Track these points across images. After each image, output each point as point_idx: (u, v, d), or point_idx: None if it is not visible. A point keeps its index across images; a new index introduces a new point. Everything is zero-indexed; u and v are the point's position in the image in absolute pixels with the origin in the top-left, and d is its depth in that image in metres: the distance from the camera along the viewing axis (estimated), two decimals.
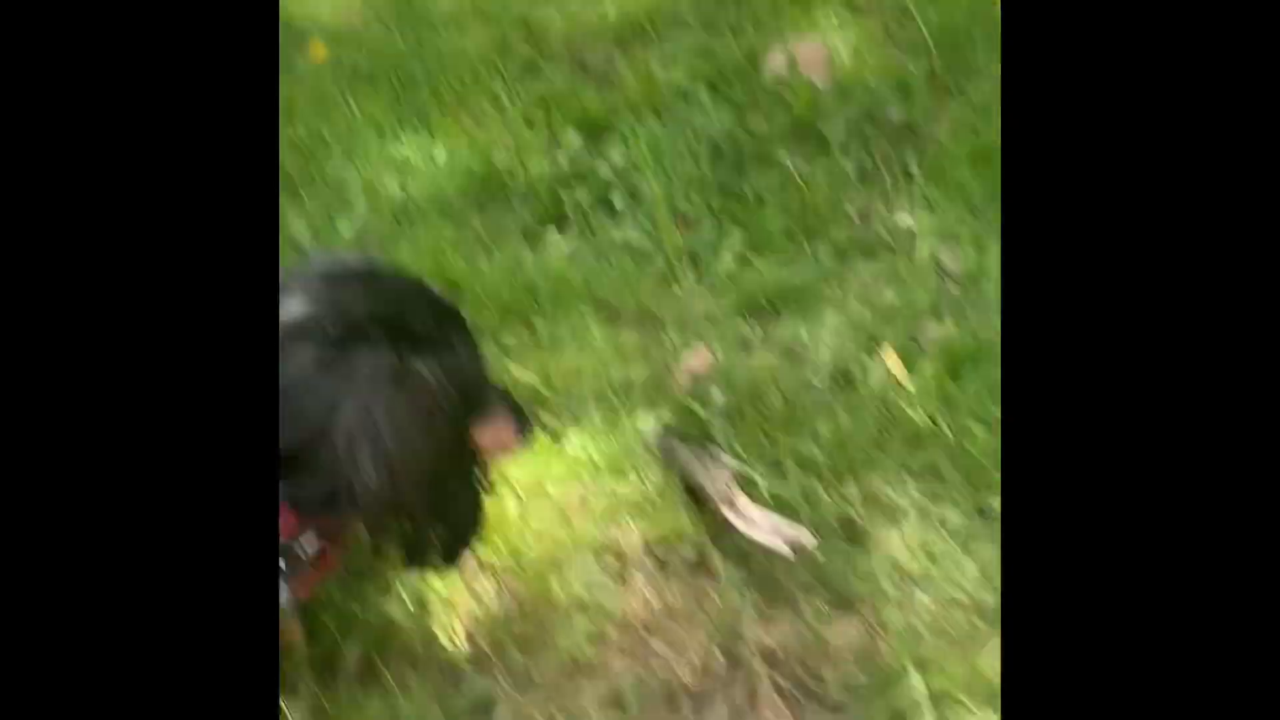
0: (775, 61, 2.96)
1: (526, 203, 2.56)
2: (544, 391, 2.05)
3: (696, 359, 2.01)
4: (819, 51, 2.92)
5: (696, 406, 1.91)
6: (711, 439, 1.88)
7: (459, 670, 1.60)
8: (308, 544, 1.33)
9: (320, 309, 1.25)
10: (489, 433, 1.45)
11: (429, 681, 1.59)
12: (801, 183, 2.54)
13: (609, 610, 1.66)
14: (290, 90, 3.10)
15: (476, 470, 1.49)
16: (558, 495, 1.85)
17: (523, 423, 1.55)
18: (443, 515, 1.43)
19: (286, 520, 1.26)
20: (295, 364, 1.20)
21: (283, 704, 1.52)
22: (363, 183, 2.61)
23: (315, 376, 1.21)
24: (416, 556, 1.48)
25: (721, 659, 1.60)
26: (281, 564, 1.28)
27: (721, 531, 1.75)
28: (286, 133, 2.88)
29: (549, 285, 2.29)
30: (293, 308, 1.24)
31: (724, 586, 1.69)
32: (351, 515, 1.32)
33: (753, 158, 2.62)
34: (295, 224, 2.51)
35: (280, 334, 1.18)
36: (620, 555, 1.75)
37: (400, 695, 1.56)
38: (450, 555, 1.53)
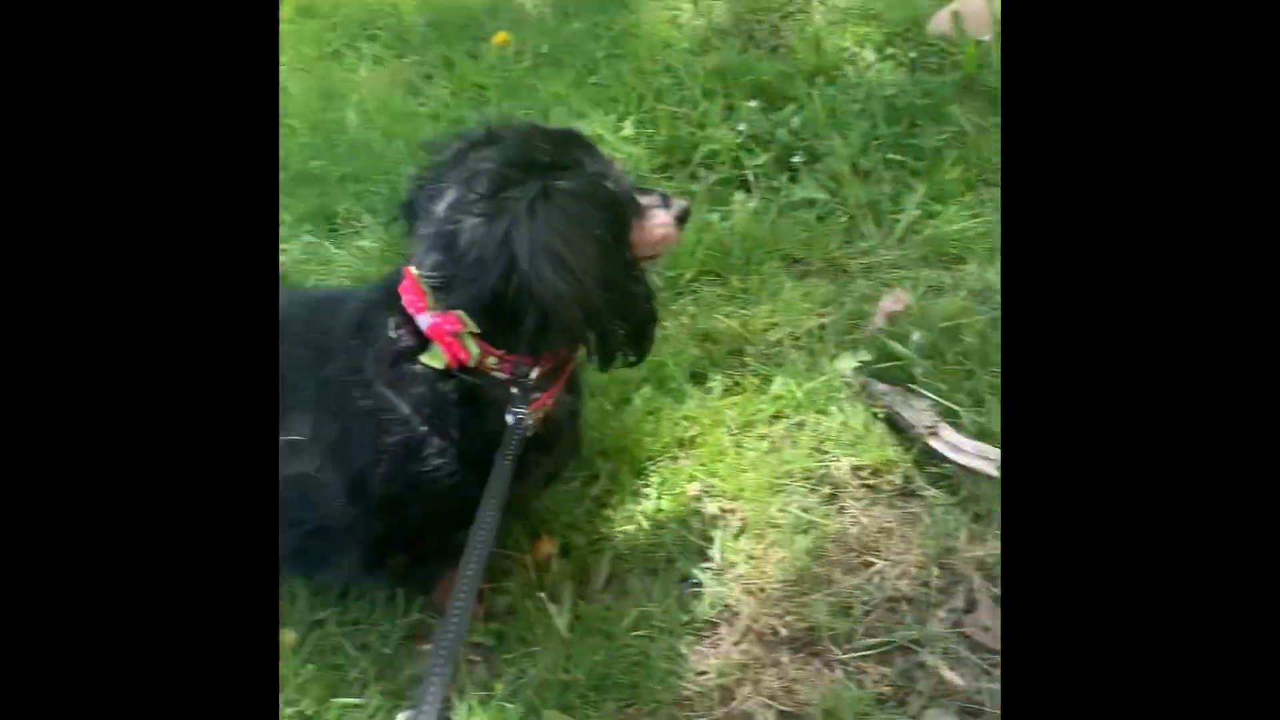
0: (940, 21, 3.04)
1: (710, 169, 2.73)
2: (745, 339, 2.22)
3: (894, 301, 2.14)
4: (982, 7, 2.99)
5: (896, 345, 2.04)
6: (911, 376, 2.01)
7: (698, 581, 1.78)
8: (531, 371, 1.47)
9: (465, 179, 1.40)
10: (648, 228, 1.54)
11: (673, 590, 1.78)
12: (975, 135, 2.64)
13: (827, 530, 1.82)
14: (480, 76, 3.35)
15: (642, 267, 1.56)
16: (767, 431, 2.02)
17: (679, 211, 1.58)
18: (623, 312, 1.48)
19: (505, 359, 1.45)
20: (466, 234, 1.36)
21: (550, 608, 1.74)
22: None
23: (483, 231, 1.35)
24: (609, 357, 1.51)
25: (937, 571, 1.74)
26: (514, 391, 1.46)
27: (926, 460, 1.89)
28: (482, 113, 3.12)
29: (739, 243, 2.45)
30: (448, 195, 1.40)
31: (933, 508, 1.82)
32: (557, 332, 1.40)
33: (925, 114, 2.72)
34: None
35: (448, 215, 1.38)
36: (832, 483, 1.91)
37: (650, 602, 1.75)
38: (639, 349, 1.57)
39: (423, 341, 1.45)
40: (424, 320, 1.43)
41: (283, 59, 3.93)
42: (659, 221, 1.54)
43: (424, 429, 1.47)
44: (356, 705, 1.70)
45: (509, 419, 1.45)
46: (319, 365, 1.57)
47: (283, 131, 3.44)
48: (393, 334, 1.46)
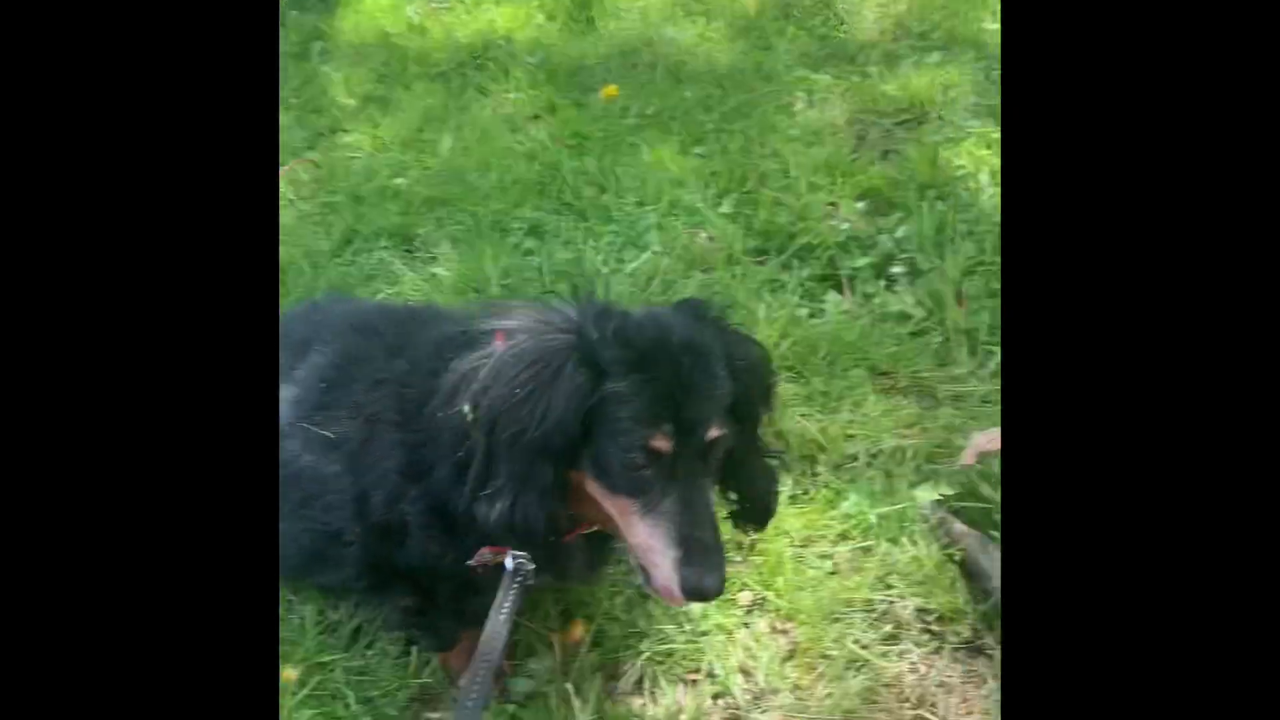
0: None
1: (805, 262, 2.63)
2: (820, 447, 2.09)
3: (988, 439, 2.01)
4: None
5: (985, 487, 1.91)
6: (995, 522, 1.87)
7: (737, 703, 1.64)
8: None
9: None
10: None
11: (707, 707, 1.63)
12: None
13: (883, 672, 1.68)
14: (583, 125, 3.30)
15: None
16: (831, 551, 1.89)
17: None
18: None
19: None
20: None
21: (574, 702, 1.60)
22: (657, 223, 2.73)
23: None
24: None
25: None
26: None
27: (998, 615, 1.74)
28: (579, 163, 3.06)
29: (826, 344, 2.34)
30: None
31: (1000, 671, 1.67)
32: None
33: None
34: (590, 254, 2.66)
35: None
36: (895, 621, 1.76)
37: (681, 715, 1.61)
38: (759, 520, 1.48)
39: None
40: None
41: (383, 71, 3.92)
42: (656, 569, 1.25)
43: (447, 475, 1.35)
44: None
45: (508, 563, 1.36)
46: (382, 367, 1.49)
47: (376, 144, 3.40)
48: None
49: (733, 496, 1.43)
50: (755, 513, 1.45)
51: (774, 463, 1.47)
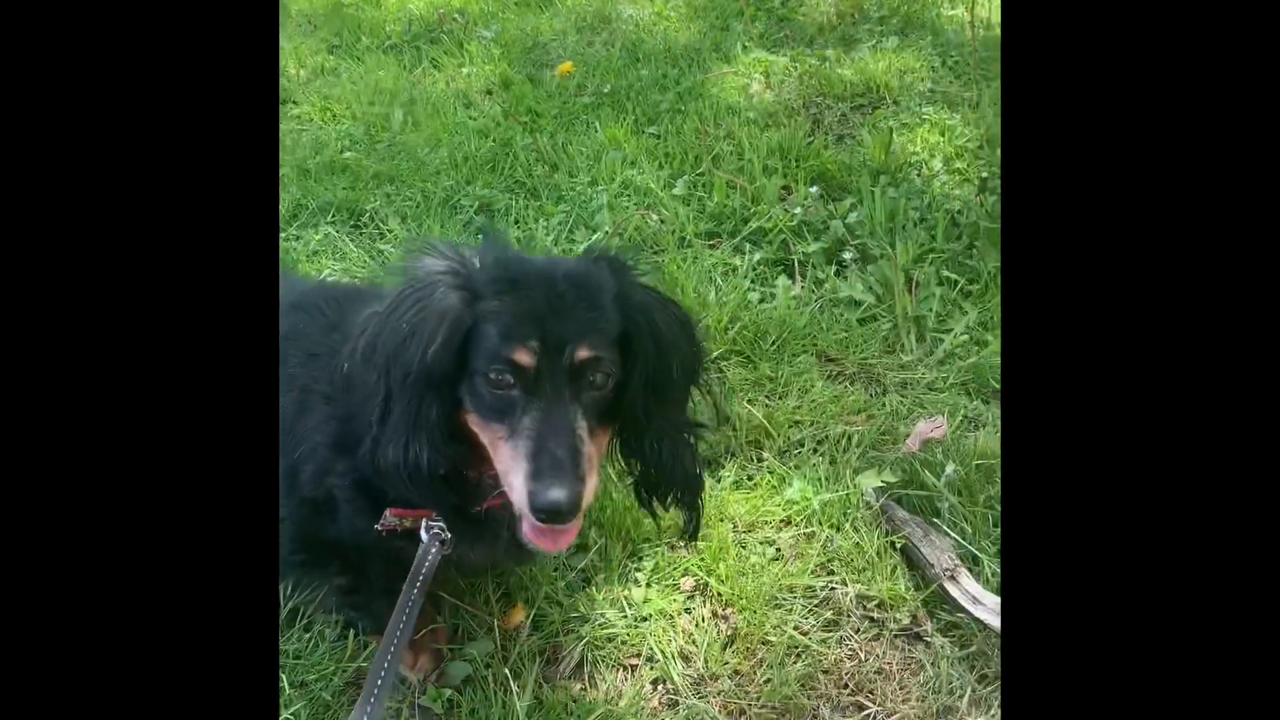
0: None
1: (758, 246, 2.62)
2: (766, 432, 2.09)
3: (933, 426, 2.02)
4: None
5: (928, 475, 1.92)
6: (937, 510, 1.88)
7: (676, 689, 1.64)
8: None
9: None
10: None
11: (646, 693, 1.63)
12: None
13: (823, 659, 1.68)
14: (538, 103, 3.25)
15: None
16: (775, 537, 1.89)
17: None
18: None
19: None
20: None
21: (512, 686, 1.59)
22: (608, 203, 2.71)
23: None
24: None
25: None
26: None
27: (939, 603, 1.75)
28: (532, 139, 3.02)
29: (775, 328, 2.34)
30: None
31: (939, 659, 1.69)
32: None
33: (988, 237, 2.62)
34: (539, 232, 2.63)
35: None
36: (835, 608, 1.77)
37: (620, 701, 1.60)
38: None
39: None
40: None
41: (334, 42, 3.84)
42: (510, 480, 1.20)
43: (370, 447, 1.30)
44: None
45: (423, 535, 1.34)
46: (318, 341, 1.48)
47: (325, 116, 3.34)
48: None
49: (633, 462, 1.38)
50: (657, 484, 1.39)
51: (695, 441, 1.41)
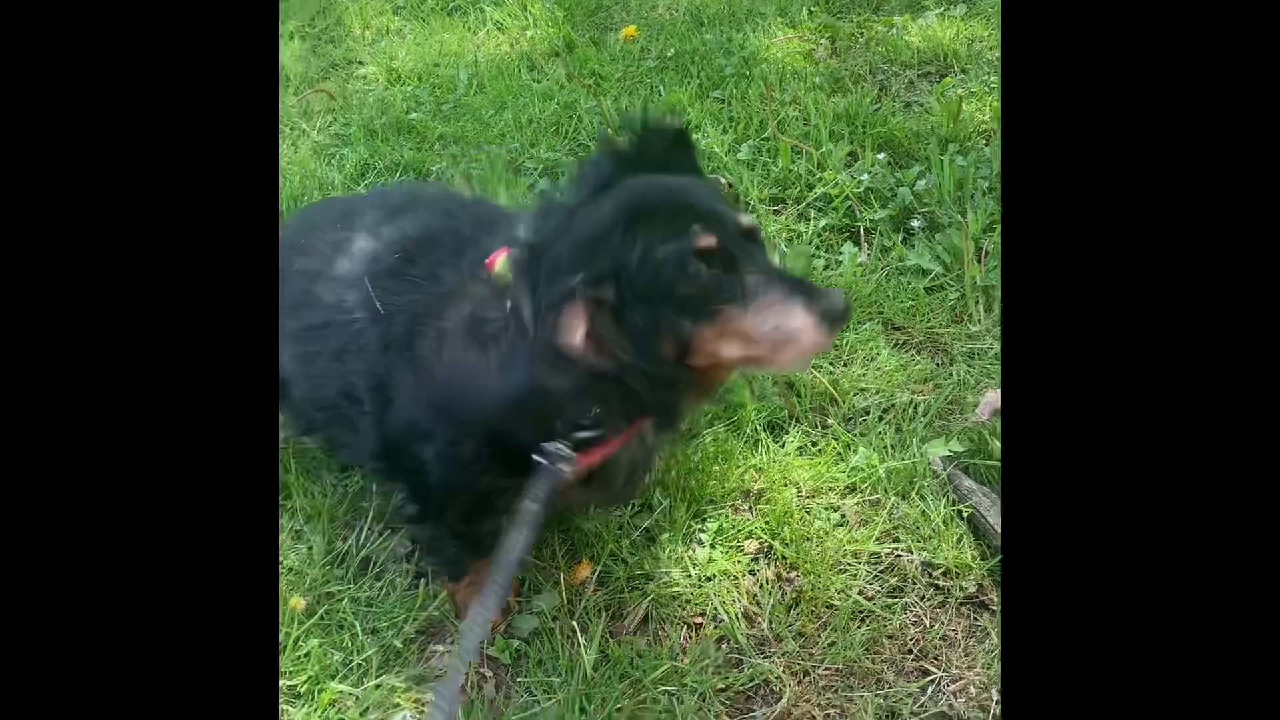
0: None
1: (824, 213, 2.60)
2: (831, 399, 2.08)
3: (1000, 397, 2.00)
4: None
5: (997, 444, 1.90)
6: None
7: (740, 648, 1.65)
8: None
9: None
10: (765, 332, 1.27)
11: (711, 651, 1.64)
12: None
13: (887, 624, 1.68)
14: (601, 66, 3.24)
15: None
16: (839, 503, 1.89)
17: (827, 310, 1.23)
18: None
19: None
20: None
21: (579, 639, 1.61)
22: None
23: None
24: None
25: (997, 698, 1.60)
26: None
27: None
28: (596, 103, 3.01)
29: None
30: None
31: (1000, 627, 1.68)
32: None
33: None
34: None
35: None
36: (900, 575, 1.76)
37: (685, 657, 1.62)
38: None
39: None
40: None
41: (399, 3, 3.85)
42: (794, 325, 1.19)
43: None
44: (352, 694, 1.57)
45: (542, 459, 1.31)
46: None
47: (390, 77, 3.35)
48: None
49: None
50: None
51: None
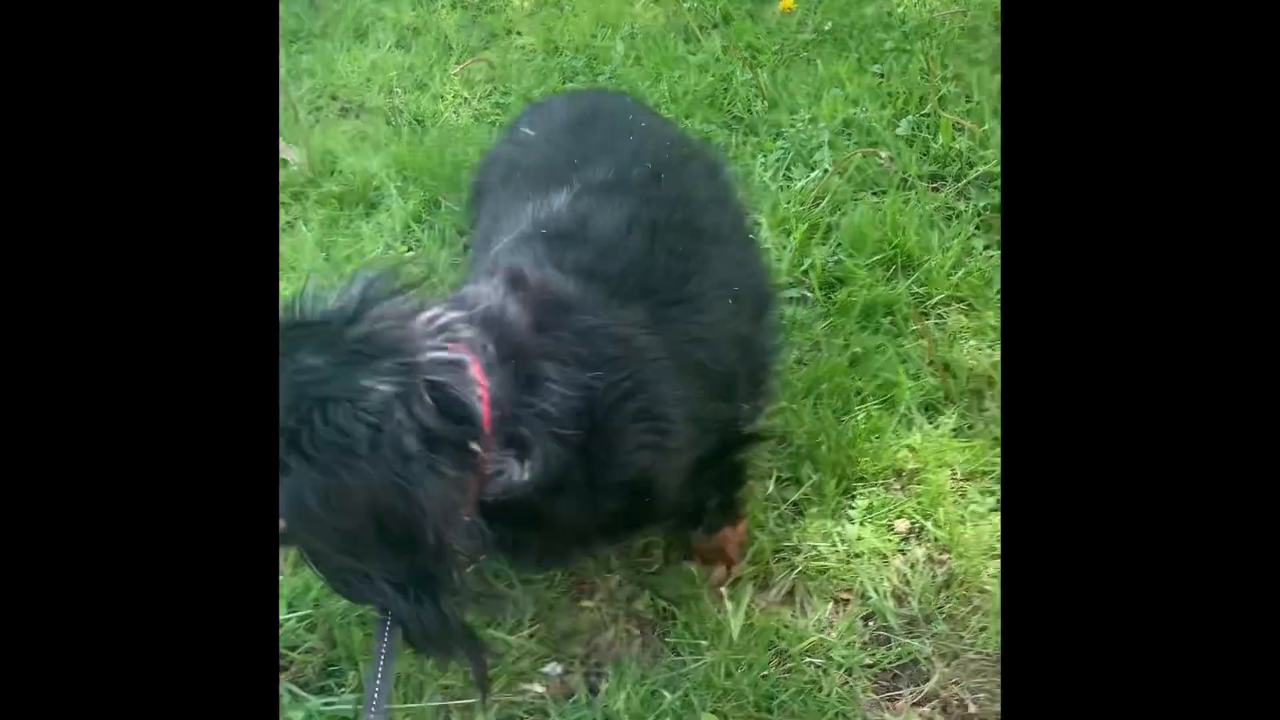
0: None
1: (985, 193, 2.53)
2: (989, 381, 2.03)
3: None
4: None
5: None
6: None
7: (889, 626, 1.64)
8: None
9: None
10: None
11: (858, 627, 1.64)
12: None
13: None
14: (758, 39, 3.22)
15: None
16: (995, 487, 1.84)
17: None
18: None
19: None
20: None
21: (727, 605, 1.63)
22: (829, 141, 2.67)
23: None
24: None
25: None
26: None
27: None
28: (752, 75, 2.99)
29: (1000, 276, 2.26)
30: None
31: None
32: None
33: None
34: (758, 169, 2.62)
35: None
36: None
37: (832, 631, 1.62)
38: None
39: None
40: None
41: None
42: None
43: None
44: (506, 641, 1.63)
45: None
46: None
47: (548, 47, 3.41)
48: None
49: None
50: None
51: None
